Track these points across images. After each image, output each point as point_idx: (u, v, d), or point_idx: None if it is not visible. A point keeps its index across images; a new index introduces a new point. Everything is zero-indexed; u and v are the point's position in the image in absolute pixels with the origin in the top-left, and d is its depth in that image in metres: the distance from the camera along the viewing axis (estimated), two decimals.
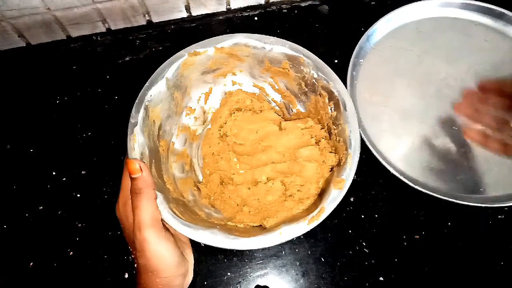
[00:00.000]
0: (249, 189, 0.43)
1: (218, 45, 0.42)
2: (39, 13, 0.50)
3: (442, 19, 0.56)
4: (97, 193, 0.46)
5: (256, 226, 0.41)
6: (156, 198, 0.33)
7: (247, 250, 0.43)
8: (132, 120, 0.38)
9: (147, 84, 0.40)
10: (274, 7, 0.60)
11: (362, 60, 0.53)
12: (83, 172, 0.48)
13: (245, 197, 0.43)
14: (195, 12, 0.58)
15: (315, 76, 0.41)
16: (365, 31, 0.53)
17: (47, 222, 0.45)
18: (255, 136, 0.46)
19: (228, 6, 0.58)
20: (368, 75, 0.52)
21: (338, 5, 0.59)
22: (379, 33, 0.55)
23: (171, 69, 0.41)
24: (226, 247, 0.34)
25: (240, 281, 0.42)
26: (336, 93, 0.39)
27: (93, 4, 0.51)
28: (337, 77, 0.40)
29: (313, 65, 0.41)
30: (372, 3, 0.59)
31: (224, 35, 0.42)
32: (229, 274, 0.42)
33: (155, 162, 0.40)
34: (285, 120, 0.47)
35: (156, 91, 0.40)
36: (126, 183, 0.34)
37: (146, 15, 0.56)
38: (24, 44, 0.56)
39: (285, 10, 0.59)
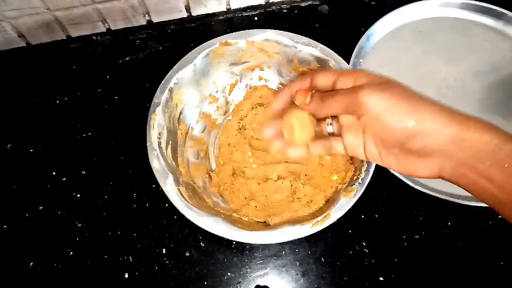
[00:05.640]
0: (258, 184, 0.44)
1: (250, 38, 0.43)
2: (39, 13, 0.50)
3: (442, 19, 0.56)
4: (97, 193, 0.46)
5: (260, 222, 0.41)
6: None
7: (247, 250, 0.43)
8: (155, 100, 0.39)
9: (175, 67, 0.41)
10: (274, 7, 0.59)
11: (362, 60, 0.53)
12: (83, 172, 0.48)
13: (254, 192, 0.43)
14: (195, 12, 0.58)
15: None
16: (365, 31, 0.53)
17: (47, 222, 0.45)
18: None
19: (228, 6, 0.58)
20: None
21: (338, 5, 0.59)
22: (379, 33, 0.55)
23: (200, 55, 0.42)
24: (226, 237, 0.34)
25: (240, 281, 0.42)
26: None
27: (93, 4, 0.51)
28: None
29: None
30: (372, 3, 0.59)
31: (257, 29, 0.43)
32: (229, 274, 0.42)
33: (171, 144, 0.40)
34: None
35: (183, 75, 0.41)
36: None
37: (146, 15, 0.56)
38: (24, 44, 0.56)
39: (285, 10, 0.59)
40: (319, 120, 0.31)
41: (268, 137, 0.32)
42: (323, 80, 0.29)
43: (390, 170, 0.43)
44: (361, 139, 0.29)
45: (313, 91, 0.29)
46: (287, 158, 0.44)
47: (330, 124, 0.31)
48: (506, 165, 0.23)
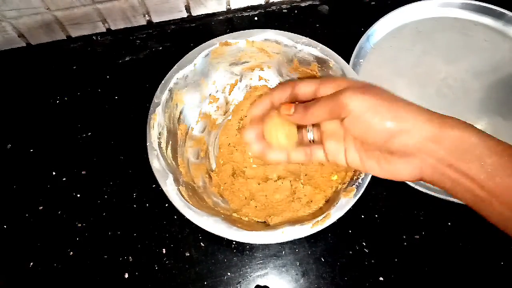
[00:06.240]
0: (258, 184, 0.44)
1: (250, 38, 0.43)
2: (39, 13, 0.50)
3: (442, 19, 0.56)
4: (97, 193, 0.46)
5: (260, 221, 0.41)
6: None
7: (247, 250, 0.43)
8: (155, 100, 0.39)
9: (175, 67, 0.41)
10: (274, 7, 0.59)
11: (362, 60, 0.53)
12: (83, 172, 0.48)
13: (254, 192, 0.43)
14: (195, 12, 0.58)
15: None
16: (365, 31, 0.53)
17: (47, 222, 0.45)
18: None
19: (228, 6, 0.58)
20: (368, 75, 0.52)
21: (338, 5, 0.59)
22: (379, 33, 0.55)
23: (200, 55, 0.42)
24: (226, 237, 0.35)
25: (240, 281, 0.42)
26: None
27: (93, 4, 0.51)
28: None
29: (341, 71, 0.41)
30: (372, 3, 0.59)
31: (257, 29, 0.43)
32: (229, 274, 0.42)
33: (171, 144, 0.41)
34: None
35: (183, 75, 0.41)
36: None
37: (146, 15, 0.56)
38: (24, 44, 0.56)
39: (285, 10, 0.59)
40: (300, 127, 0.32)
41: (249, 140, 0.32)
42: (304, 89, 0.29)
43: None
44: (342, 145, 0.29)
45: (296, 102, 0.29)
46: (266, 162, 0.44)
47: (310, 131, 0.31)
48: (482, 163, 0.23)
